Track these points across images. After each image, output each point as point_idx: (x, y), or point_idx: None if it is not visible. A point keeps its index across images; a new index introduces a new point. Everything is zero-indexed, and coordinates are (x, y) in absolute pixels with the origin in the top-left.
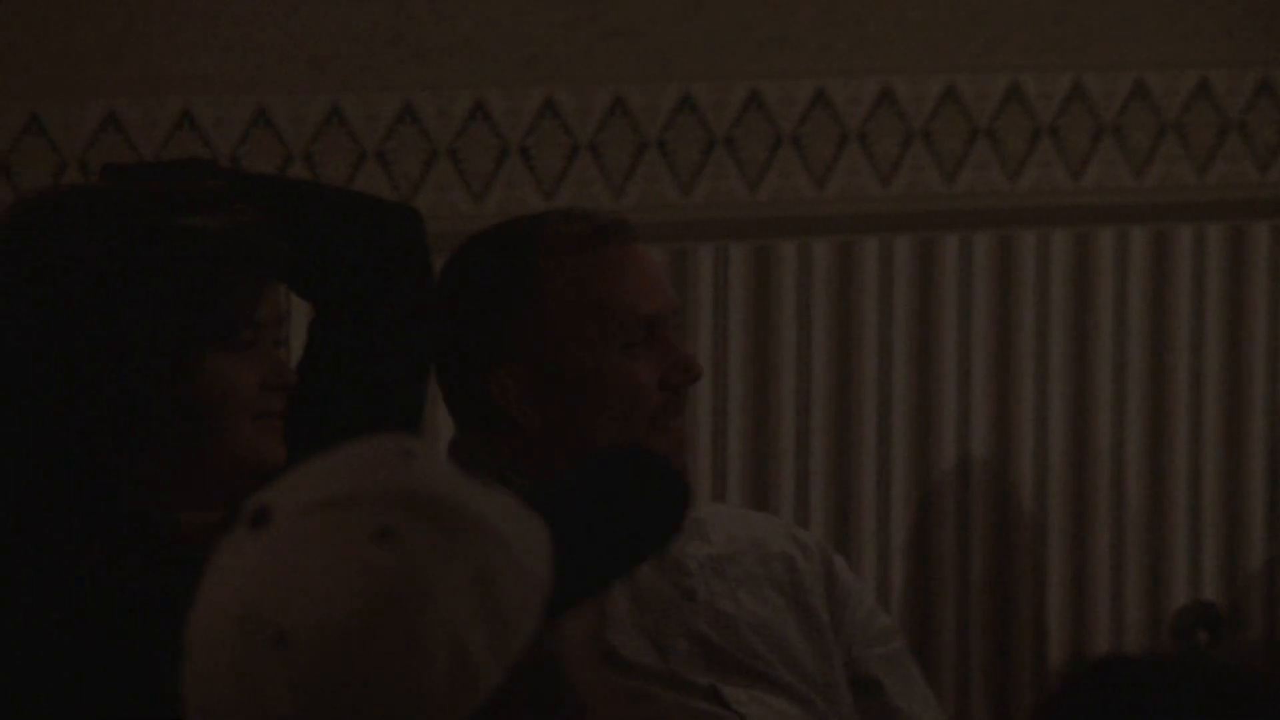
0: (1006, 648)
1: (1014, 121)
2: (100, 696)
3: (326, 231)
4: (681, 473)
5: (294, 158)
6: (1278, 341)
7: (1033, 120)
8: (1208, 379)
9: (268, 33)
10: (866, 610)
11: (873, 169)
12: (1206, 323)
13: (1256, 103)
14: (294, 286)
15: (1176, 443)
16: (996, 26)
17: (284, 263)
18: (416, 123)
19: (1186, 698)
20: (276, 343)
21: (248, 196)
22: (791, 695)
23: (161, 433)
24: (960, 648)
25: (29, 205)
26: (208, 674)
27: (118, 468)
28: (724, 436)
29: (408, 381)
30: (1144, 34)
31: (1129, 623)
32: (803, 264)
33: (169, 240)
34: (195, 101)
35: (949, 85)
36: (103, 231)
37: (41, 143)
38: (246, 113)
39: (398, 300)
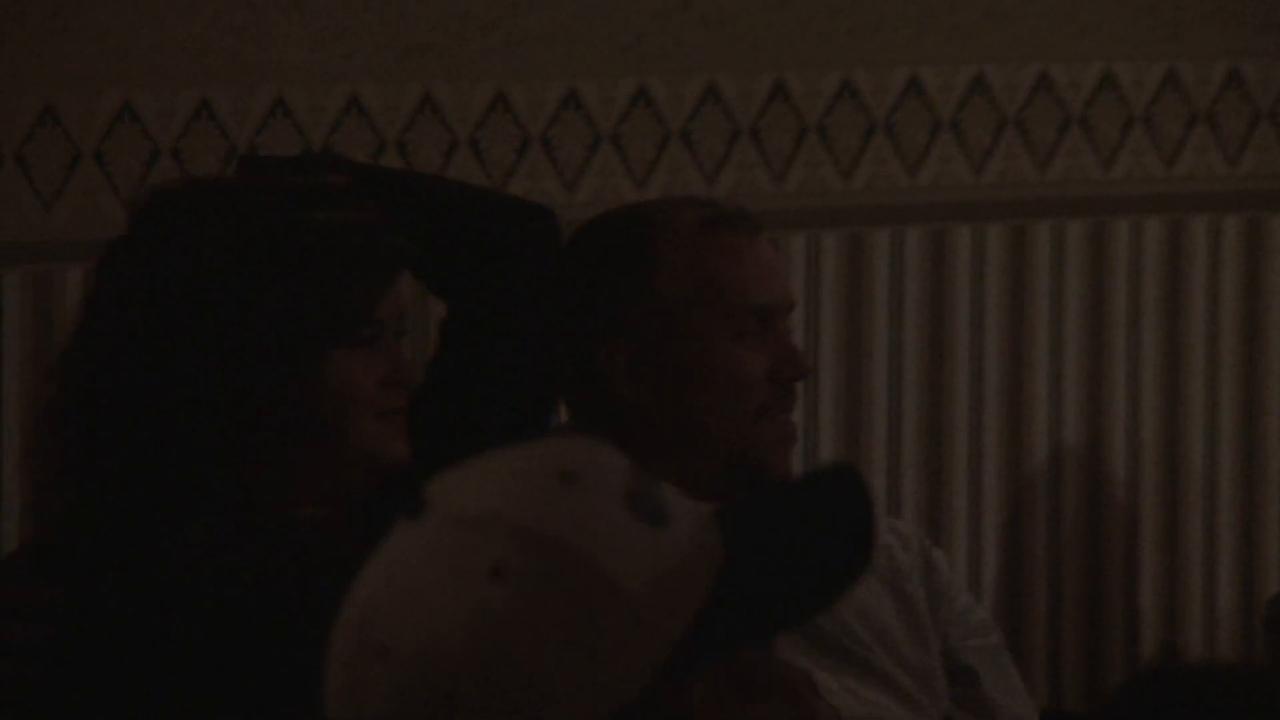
0: (1098, 639)
1: (1107, 109)
2: (221, 690)
3: (463, 228)
4: (787, 473)
5: (386, 146)
6: None
7: (1126, 108)
8: None
9: (360, 21)
10: (964, 604)
11: (965, 157)
12: None
13: None
14: (426, 283)
15: (1270, 432)
16: (1089, 15)
17: (406, 259)
18: (509, 111)
19: (1239, 709)
20: (398, 334)
21: (376, 192)
22: (883, 683)
23: (283, 430)
24: (1052, 639)
25: (158, 197)
26: (330, 661)
27: (240, 463)
28: (816, 426)
29: (541, 378)
30: (1236, 22)
31: (1221, 613)
32: (895, 252)
33: (289, 237)
34: (288, 90)
35: (1042, 73)
36: (225, 226)
37: (136, 131)
38: (339, 101)
39: (533, 297)
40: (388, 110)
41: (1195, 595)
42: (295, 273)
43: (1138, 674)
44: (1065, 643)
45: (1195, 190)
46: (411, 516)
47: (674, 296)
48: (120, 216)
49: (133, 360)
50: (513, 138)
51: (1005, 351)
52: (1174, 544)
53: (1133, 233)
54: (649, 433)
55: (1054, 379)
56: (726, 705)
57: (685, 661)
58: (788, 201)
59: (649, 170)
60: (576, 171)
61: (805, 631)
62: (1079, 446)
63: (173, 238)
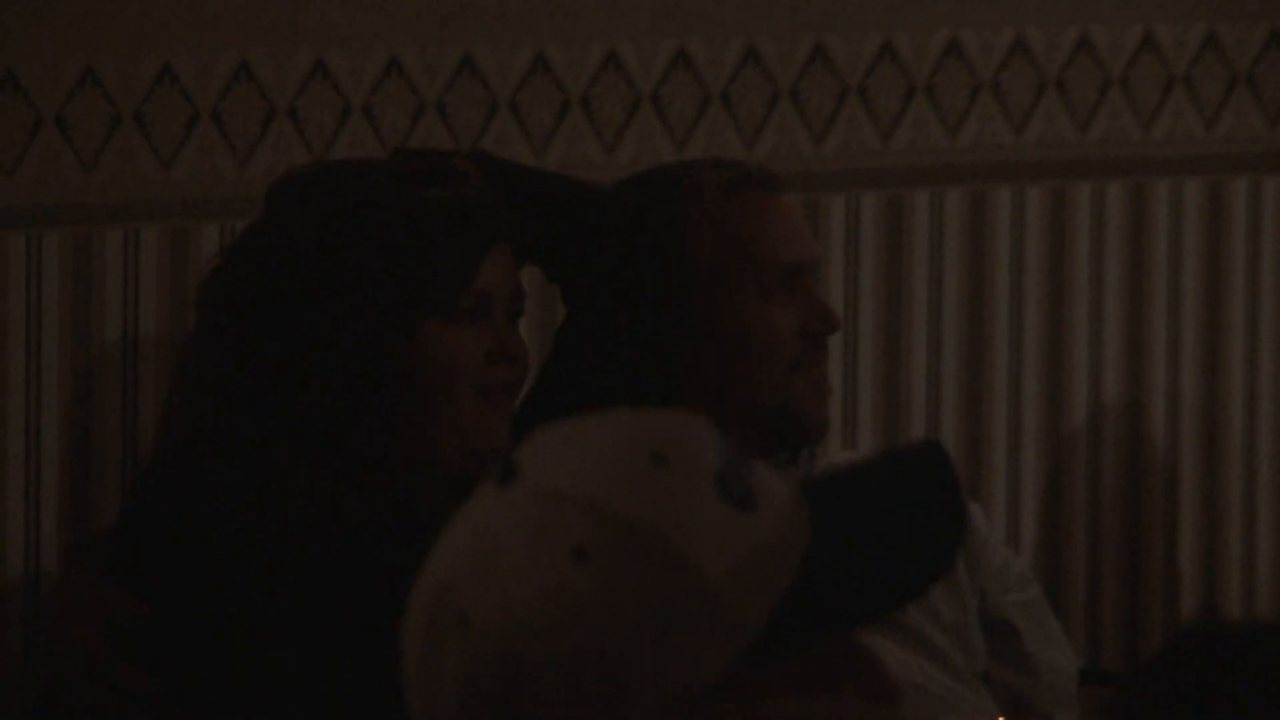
0: (1138, 596)
1: (1147, 70)
2: (319, 640)
3: (578, 213)
4: (825, 424)
5: (426, 108)
6: None
7: (1166, 69)
8: None
9: None
10: (1002, 558)
11: (1006, 118)
12: None
13: None
14: (549, 272)
15: None
16: None
17: (504, 231)
18: (549, 72)
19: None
20: (513, 317)
21: (505, 183)
22: (918, 644)
23: (385, 399)
24: (1092, 597)
25: (284, 179)
26: (409, 625)
27: (347, 425)
28: (855, 385)
29: (649, 377)
30: None
31: (1260, 571)
32: (935, 214)
33: (386, 211)
34: (328, 52)
35: (1082, 34)
36: (329, 204)
37: (175, 93)
38: (379, 63)
39: (642, 282)
40: (428, 72)
41: (1234, 554)
42: (390, 244)
43: (1178, 633)
44: (1104, 603)
45: (1236, 151)
46: (500, 483)
47: (702, 259)
48: (159, 177)
49: (245, 328)
50: (553, 100)
51: (1045, 312)
52: (1213, 503)
53: (1173, 194)
54: (687, 396)
55: (1093, 339)
56: (802, 693)
57: (764, 649)
58: (827, 163)
59: (689, 132)
60: (616, 133)
61: None
62: (1118, 406)
63: (284, 216)
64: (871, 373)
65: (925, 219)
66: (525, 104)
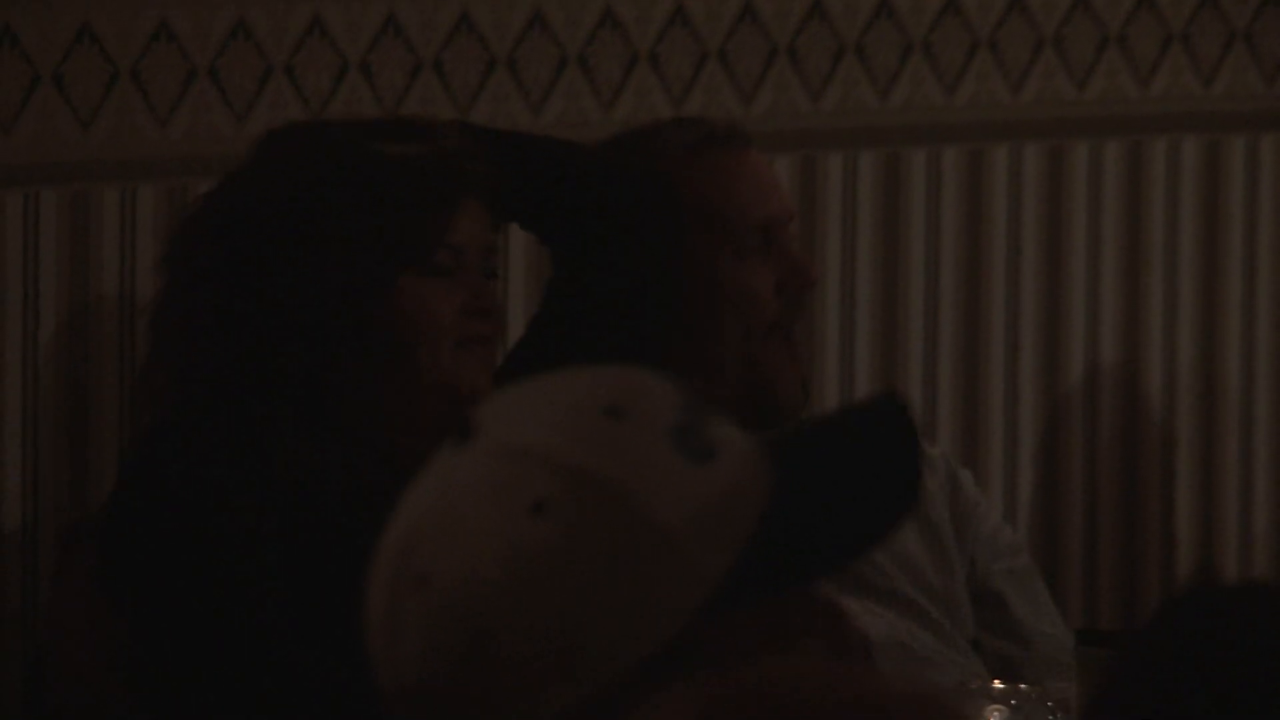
0: (1134, 558)
1: (1145, 28)
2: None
3: (556, 173)
4: (798, 399)
5: (423, 66)
6: None
7: (1164, 26)
8: None
9: None
10: (992, 525)
11: (1003, 76)
12: None
13: None
14: (532, 229)
15: None
16: None
17: (479, 186)
18: (546, 30)
19: (1276, 628)
20: (488, 274)
21: (475, 140)
22: (906, 608)
23: (364, 353)
24: (1088, 558)
25: (266, 136)
26: (371, 585)
27: (327, 384)
28: (852, 345)
29: (638, 332)
30: None
31: (1257, 532)
32: (932, 172)
33: (359, 166)
34: (325, 9)
35: None
36: (306, 161)
37: (172, 50)
38: (376, 20)
39: (618, 244)
40: (425, 29)
41: (1231, 516)
42: (364, 201)
43: (1174, 593)
44: (1101, 563)
45: (1233, 109)
46: (459, 441)
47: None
48: (156, 135)
49: (220, 291)
50: (550, 57)
51: (1042, 271)
52: (1210, 464)
53: (1170, 152)
54: (667, 358)
55: (1090, 298)
56: (765, 646)
57: (725, 601)
58: (824, 121)
59: (686, 90)
60: (613, 90)
61: None
62: (1115, 366)
63: (259, 173)
64: (869, 330)
65: (922, 177)
66: (522, 61)
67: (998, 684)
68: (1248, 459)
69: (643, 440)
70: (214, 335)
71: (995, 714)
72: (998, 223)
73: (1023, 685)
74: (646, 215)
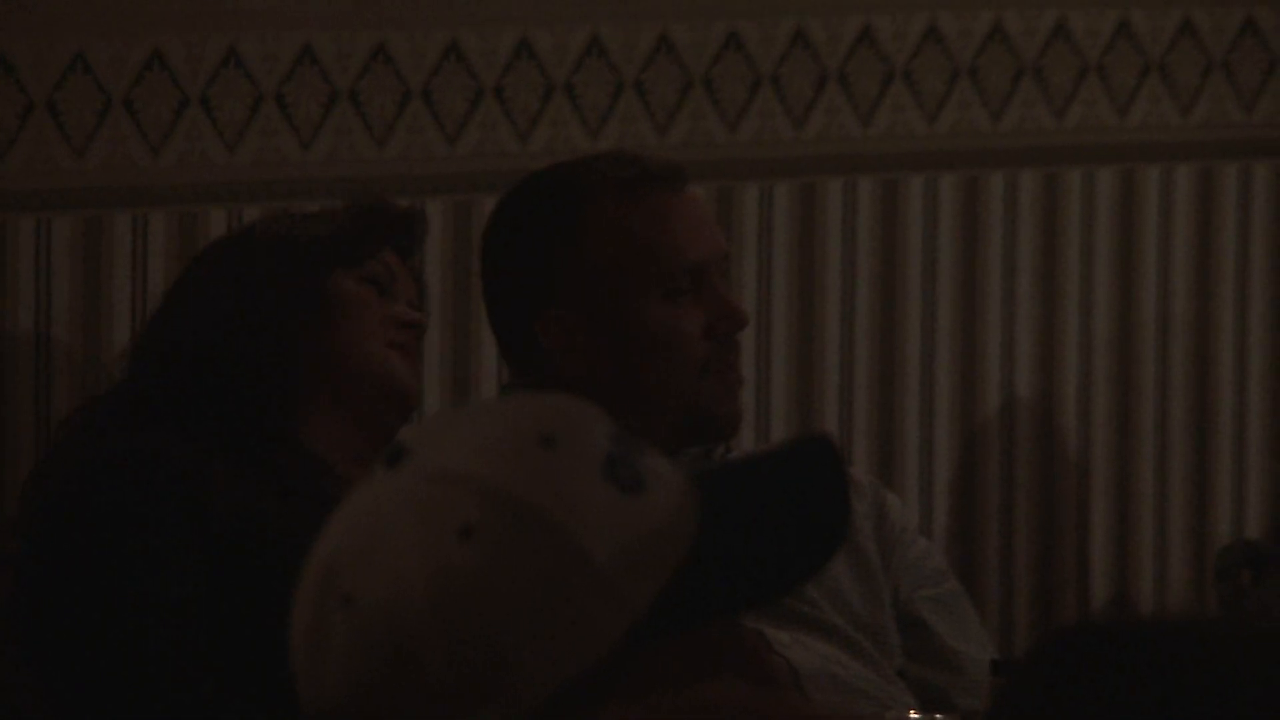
0: (1050, 586)
1: (1060, 59)
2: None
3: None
4: (736, 418)
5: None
6: None
7: (1080, 58)
8: (1252, 318)
9: None
10: (918, 551)
11: (918, 106)
12: (1252, 261)
13: None
14: None
15: (1221, 382)
16: None
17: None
18: (461, 60)
19: (1147, 668)
20: (411, 305)
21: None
22: (836, 637)
23: (300, 349)
24: (1004, 586)
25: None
26: (296, 604)
27: (256, 408)
28: (768, 375)
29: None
30: None
31: (1172, 561)
32: (848, 202)
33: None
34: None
35: (995, 22)
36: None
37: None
38: (292, 50)
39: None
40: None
41: (1146, 545)
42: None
43: (1046, 633)
44: (1017, 593)
45: (1148, 140)
46: (389, 464)
47: (604, 264)
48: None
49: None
50: (465, 87)
51: (958, 301)
52: (1126, 494)
53: (1085, 183)
54: (598, 400)
55: (1006, 328)
56: (687, 677)
57: (650, 631)
58: (740, 151)
59: (602, 120)
60: (530, 121)
61: None
62: (1031, 396)
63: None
64: (784, 362)
65: (838, 207)
66: (437, 91)
67: (913, 714)
68: (1163, 489)
69: (573, 469)
70: (157, 390)
71: None
72: (913, 252)
73: (938, 716)
74: (554, 263)
